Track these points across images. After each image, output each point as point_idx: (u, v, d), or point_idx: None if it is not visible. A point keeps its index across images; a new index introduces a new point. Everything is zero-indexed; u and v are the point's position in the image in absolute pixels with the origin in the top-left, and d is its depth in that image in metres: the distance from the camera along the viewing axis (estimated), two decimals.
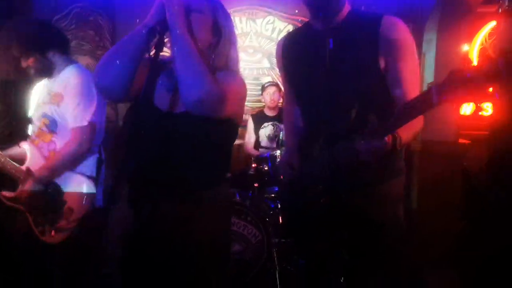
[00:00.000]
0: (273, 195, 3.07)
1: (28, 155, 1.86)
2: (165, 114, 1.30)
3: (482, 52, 4.49)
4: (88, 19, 3.82)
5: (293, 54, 1.56)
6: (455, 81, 0.98)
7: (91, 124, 1.84)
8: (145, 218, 1.27)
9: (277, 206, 2.93)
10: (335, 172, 1.29)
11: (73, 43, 3.51)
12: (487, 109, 3.56)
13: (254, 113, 3.93)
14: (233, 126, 1.39)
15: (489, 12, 4.23)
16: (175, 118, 1.29)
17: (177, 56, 1.22)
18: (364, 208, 1.35)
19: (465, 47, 4.14)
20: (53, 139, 1.87)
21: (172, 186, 1.27)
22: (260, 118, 3.80)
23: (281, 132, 3.69)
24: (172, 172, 1.27)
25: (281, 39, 1.66)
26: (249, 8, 4.42)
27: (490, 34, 4.46)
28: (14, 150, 1.92)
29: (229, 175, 1.46)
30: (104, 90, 1.35)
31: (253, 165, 3.20)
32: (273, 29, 4.45)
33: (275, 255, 2.74)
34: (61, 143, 1.85)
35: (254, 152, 3.69)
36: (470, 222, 2.30)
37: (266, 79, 4.47)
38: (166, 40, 1.25)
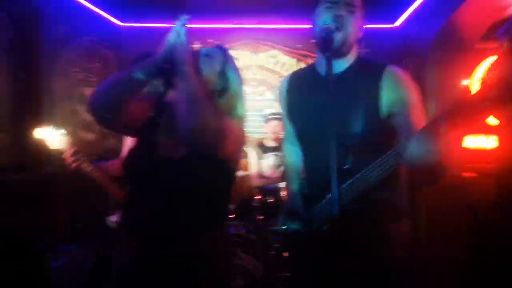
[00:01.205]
0: (277, 227, 3.02)
1: None
2: (167, 158, 1.30)
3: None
4: (95, 52, 3.90)
5: (296, 94, 1.57)
6: (455, 111, 1.01)
7: None
8: (148, 260, 1.26)
9: (282, 239, 2.88)
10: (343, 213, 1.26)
11: (80, 75, 3.57)
12: (492, 142, 3.57)
13: (255, 144, 3.95)
14: (231, 169, 1.39)
15: (488, 48, 4.34)
16: (176, 162, 1.29)
17: (180, 90, 1.22)
18: (367, 246, 1.34)
19: (464, 82, 4.21)
20: None
21: (174, 231, 1.27)
22: (261, 149, 3.81)
23: None
24: (174, 218, 1.27)
25: (284, 78, 1.67)
26: (252, 42, 4.53)
27: (489, 70, 4.55)
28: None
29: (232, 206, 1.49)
30: (98, 117, 1.32)
31: (258, 197, 3.17)
32: (276, 63, 4.54)
33: None
34: None
35: (260, 181, 3.65)
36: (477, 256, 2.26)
37: (269, 111, 4.52)
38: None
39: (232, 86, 1.42)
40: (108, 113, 1.26)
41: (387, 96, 1.35)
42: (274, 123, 3.74)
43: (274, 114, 3.87)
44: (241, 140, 1.41)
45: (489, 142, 3.35)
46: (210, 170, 1.27)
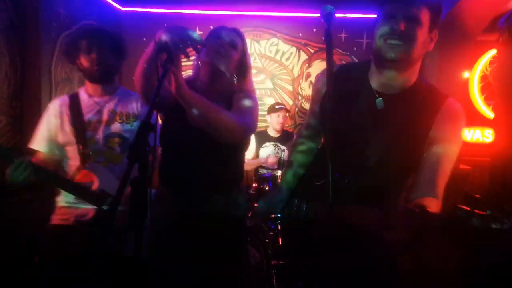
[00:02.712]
0: (273, 216, 3.05)
1: (99, 176, 1.75)
2: (196, 129, 1.50)
3: (483, 79, 4.55)
4: (111, 33, 3.87)
5: (340, 97, 1.34)
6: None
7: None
8: (191, 206, 1.59)
9: (277, 227, 2.91)
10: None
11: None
12: (488, 135, 3.59)
13: (256, 131, 3.96)
14: (251, 134, 1.76)
15: (490, 40, 4.32)
16: (201, 133, 1.50)
17: (192, 112, 1.45)
18: (365, 233, 1.35)
19: (465, 74, 4.20)
20: (124, 159, 1.82)
21: (209, 184, 1.60)
22: (262, 138, 3.82)
23: (283, 153, 3.71)
24: (208, 173, 1.59)
25: (334, 72, 1.45)
26: (254, 30, 4.51)
27: (491, 62, 4.54)
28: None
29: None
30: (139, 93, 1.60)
31: (254, 185, 3.20)
32: (277, 51, 4.52)
33: (274, 277, 2.71)
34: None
35: (253, 162, 3.66)
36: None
37: (269, 100, 4.52)
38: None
39: (247, 63, 1.70)
40: (141, 91, 1.53)
41: (437, 131, 1.28)
42: (282, 113, 3.75)
43: (280, 105, 3.86)
44: (256, 112, 1.68)
45: (485, 135, 3.36)
46: (220, 147, 1.55)
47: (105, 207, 1.71)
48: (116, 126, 1.83)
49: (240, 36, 1.67)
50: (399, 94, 1.33)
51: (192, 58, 1.66)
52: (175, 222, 1.62)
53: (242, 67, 1.68)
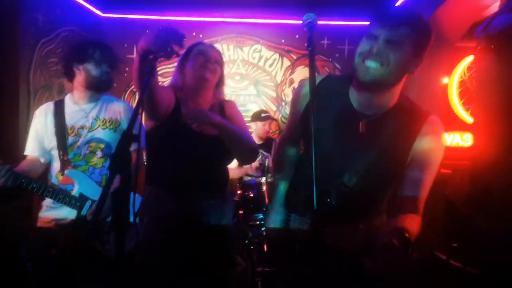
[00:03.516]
0: (258, 222, 3.04)
1: (78, 181, 1.87)
2: (196, 134, 1.66)
3: (461, 84, 4.65)
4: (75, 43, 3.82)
5: (321, 108, 1.34)
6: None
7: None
8: (188, 207, 1.72)
9: (262, 233, 2.90)
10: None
11: (59, 67, 3.49)
12: (467, 139, 3.67)
13: None
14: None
15: (468, 46, 4.43)
16: (205, 138, 1.71)
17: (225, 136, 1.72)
18: (347, 239, 1.35)
19: (445, 80, 4.29)
20: (104, 164, 1.93)
21: (204, 186, 1.75)
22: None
23: (267, 160, 3.70)
24: (204, 177, 1.74)
25: (307, 80, 1.46)
26: (237, 36, 4.51)
27: (469, 68, 4.65)
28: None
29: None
30: None
31: (238, 192, 3.18)
32: (260, 57, 4.54)
33: (259, 284, 2.69)
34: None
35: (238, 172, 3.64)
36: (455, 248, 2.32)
37: (252, 106, 4.52)
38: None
39: (223, 74, 1.94)
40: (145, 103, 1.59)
41: (418, 149, 1.30)
42: (268, 122, 3.75)
43: (266, 113, 3.85)
44: None
45: (464, 139, 3.43)
46: (215, 150, 1.76)
47: (83, 212, 1.84)
48: (99, 132, 1.95)
49: (219, 53, 1.89)
50: (379, 116, 1.33)
51: (173, 64, 1.85)
52: (173, 221, 1.71)
53: (221, 79, 1.91)
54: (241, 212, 3.02)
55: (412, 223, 1.20)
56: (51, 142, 1.90)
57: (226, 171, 1.89)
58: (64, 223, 1.84)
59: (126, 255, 1.63)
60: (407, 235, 1.09)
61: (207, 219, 1.76)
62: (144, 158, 3.51)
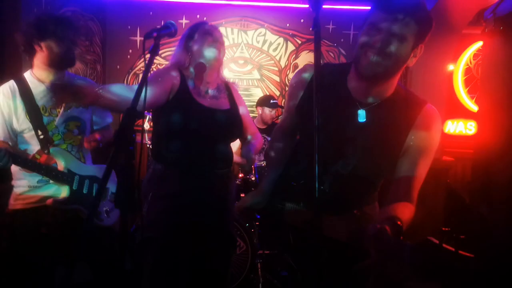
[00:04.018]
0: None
1: (63, 158, 1.88)
2: (209, 109, 1.77)
3: (467, 72, 4.61)
4: (78, 24, 3.80)
5: (322, 96, 1.29)
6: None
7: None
8: (194, 183, 1.76)
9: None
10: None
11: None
12: (471, 128, 3.65)
13: None
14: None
15: (474, 33, 4.37)
16: (219, 113, 1.79)
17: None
18: (344, 226, 1.36)
19: (450, 67, 4.24)
20: (82, 141, 1.95)
21: (216, 164, 1.80)
22: None
23: None
24: (216, 154, 1.80)
25: (311, 68, 1.46)
26: (241, 20, 4.46)
27: (475, 55, 4.59)
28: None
29: None
30: None
31: (240, 175, 3.19)
32: (264, 41, 4.50)
33: (259, 266, 2.73)
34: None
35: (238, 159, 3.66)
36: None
37: (255, 91, 4.50)
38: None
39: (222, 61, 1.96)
40: None
41: (413, 138, 1.30)
42: (274, 109, 3.72)
43: (274, 99, 3.80)
44: None
45: (468, 127, 3.41)
46: (240, 118, 1.90)
47: (74, 187, 1.86)
48: (73, 110, 1.93)
49: (221, 33, 1.90)
50: (377, 105, 1.33)
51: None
52: (178, 198, 1.75)
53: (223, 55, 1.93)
54: (242, 195, 3.03)
55: (405, 211, 1.21)
56: (23, 123, 1.82)
57: (230, 148, 1.93)
58: (57, 200, 1.83)
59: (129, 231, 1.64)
60: (399, 223, 1.10)
61: (213, 193, 1.79)
62: (146, 138, 3.51)
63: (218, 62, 1.85)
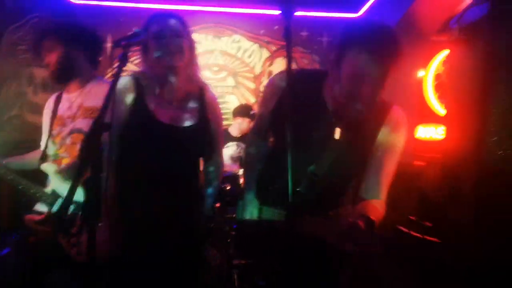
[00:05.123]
0: (234, 215, 3.02)
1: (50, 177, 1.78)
2: (169, 126, 1.59)
3: (437, 78, 4.73)
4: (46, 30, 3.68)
5: (296, 101, 1.30)
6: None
7: None
8: (155, 204, 1.61)
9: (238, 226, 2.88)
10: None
11: (28, 54, 3.36)
12: (441, 132, 3.72)
13: None
14: None
15: (443, 40, 4.49)
16: (180, 130, 1.62)
17: None
18: (321, 225, 1.37)
19: (421, 73, 4.34)
20: None
21: (174, 181, 1.64)
22: (224, 138, 3.76)
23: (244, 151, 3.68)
24: (175, 171, 1.63)
25: (284, 74, 1.40)
26: (215, 26, 4.44)
27: (444, 62, 4.72)
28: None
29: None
30: None
31: None
32: (239, 48, 4.49)
33: (235, 277, 2.69)
34: None
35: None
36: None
37: (230, 98, 4.48)
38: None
39: (196, 56, 1.79)
40: None
41: (382, 139, 1.38)
42: (252, 122, 3.68)
43: (253, 110, 3.76)
44: None
45: (438, 132, 3.49)
46: (203, 137, 1.70)
47: (54, 209, 1.72)
48: (79, 122, 1.77)
49: (180, 20, 1.61)
50: None
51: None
52: (140, 220, 1.62)
53: (192, 53, 1.66)
54: (217, 205, 2.99)
55: (376, 208, 1.30)
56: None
57: (197, 163, 1.78)
58: (32, 219, 1.74)
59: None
60: (372, 217, 1.20)
61: (175, 215, 1.66)
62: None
63: (169, 68, 1.56)
